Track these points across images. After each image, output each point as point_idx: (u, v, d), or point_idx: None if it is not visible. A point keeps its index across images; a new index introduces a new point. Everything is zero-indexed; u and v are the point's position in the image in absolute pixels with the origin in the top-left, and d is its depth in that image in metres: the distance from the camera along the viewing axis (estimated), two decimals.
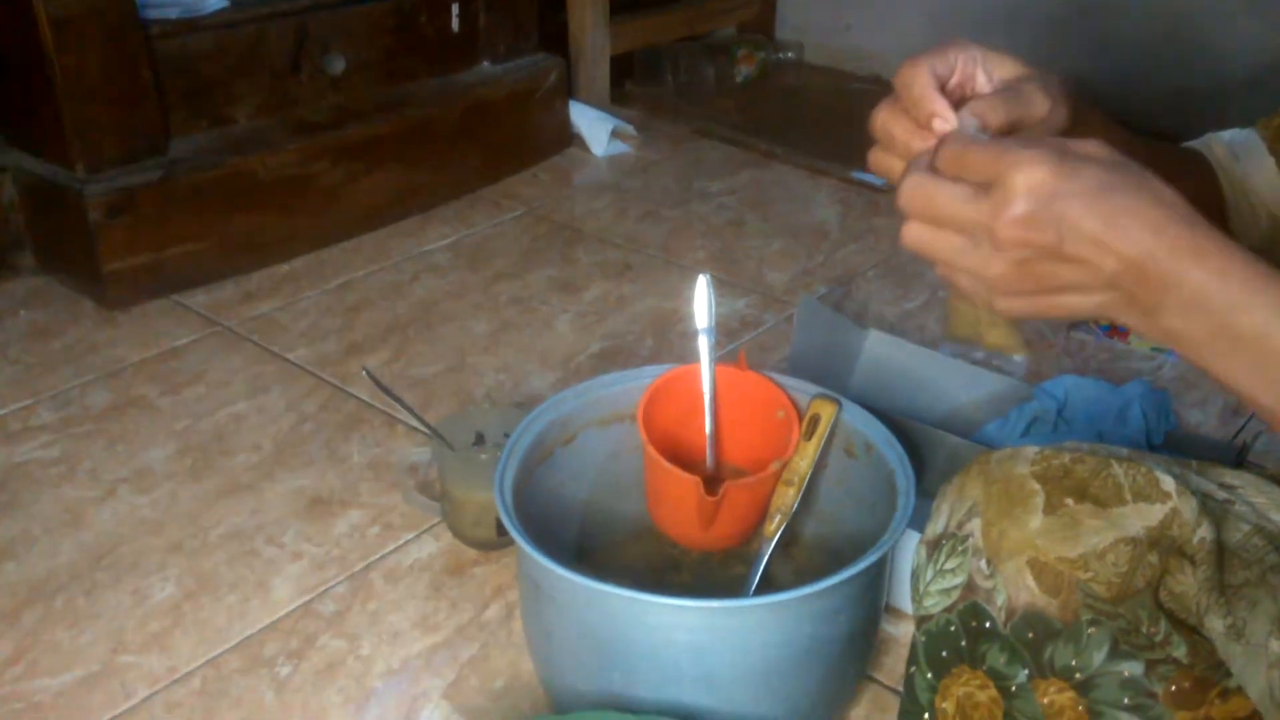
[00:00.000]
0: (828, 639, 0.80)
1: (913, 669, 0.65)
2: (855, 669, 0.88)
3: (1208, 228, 0.49)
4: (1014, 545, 0.60)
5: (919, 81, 0.57)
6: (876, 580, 0.84)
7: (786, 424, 0.92)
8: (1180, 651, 0.57)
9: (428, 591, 1.06)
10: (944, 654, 0.63)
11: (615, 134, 2.10)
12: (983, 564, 0.61)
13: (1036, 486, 0.60)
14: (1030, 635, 0.59)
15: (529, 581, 0.84)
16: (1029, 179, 0.49)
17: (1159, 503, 0.58)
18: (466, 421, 1.12)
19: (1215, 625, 0.55)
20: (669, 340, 1.50)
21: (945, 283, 0.56)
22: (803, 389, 0.94)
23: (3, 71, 1.49)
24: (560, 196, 1.94)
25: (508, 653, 0.99)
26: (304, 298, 1.58)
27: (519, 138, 2.00)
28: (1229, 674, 0.56)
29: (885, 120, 0.59)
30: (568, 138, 2.10)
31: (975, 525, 0.62)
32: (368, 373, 1.09)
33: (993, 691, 0.61)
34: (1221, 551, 0.57)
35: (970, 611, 0.61)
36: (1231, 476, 0.62)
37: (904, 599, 1.00)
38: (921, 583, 0.65)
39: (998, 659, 0.60)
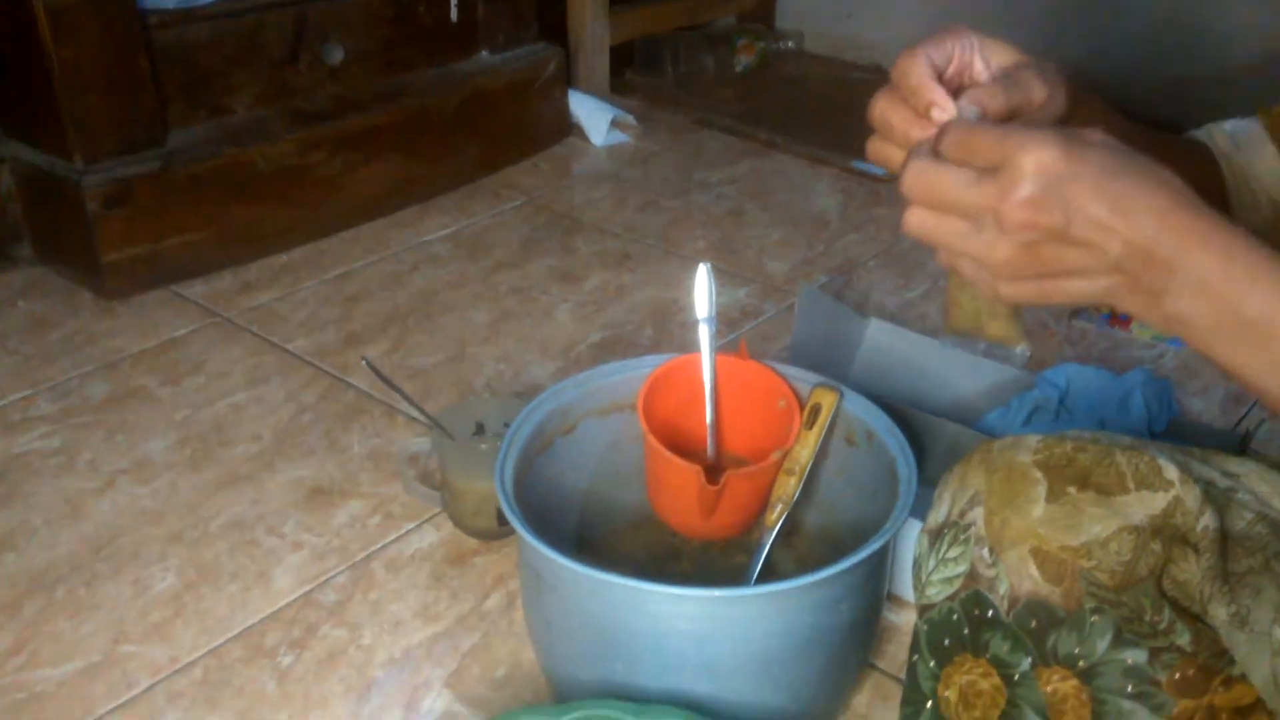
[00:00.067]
0: (829, 628, 0.80)
1: (915, 657, 0.65)
2: (857, 657, 0.88)
3: (1213, 213, 0.49)
4: (1016, 534, 0.60)
5: (916, 71, 0.58)
6: (878, 569, 0.84)
7: (788, 413, 0.91)
8: (1184, 640, 0.57)
9: (429, 581, 1.06)
10: (946, 642, 0.63)
11: (615, 124, 2.10)
12: (985, 552, 0.61)
13: (1039, 475, 0.60)
14: (1033, 623, 0.59)
15: (530, 571, 0.84)
16: (1037, 161, 0.49)
17: (1162, 491, 0.58)
18: (466, 411, 1.12)
19: (1219, 613, 0.55)
20: (669, 330, 1.50)
21: (948, 269, 0.55)
22: (804, 378, 0.94)
23: (0, 62, 1.49)
24: (560, 186, 1.93)
25: (509, 642, 0.99)
26: (303, 288, 1.58)
27: (518, 127, 1.99)
28: (1232, 662, 0.56)
29: (883, 109, 0.59)
30: (567, 127, 2.09)
31: (977, 514, 0.62)
32: (367, 363, 1.09)
33: (995, 680, 0.61)
34: (1225, 540, 0.57)
35: (973, 600, 0.61)
36: (1234, 464, 0.62)
37: (906, 587, 1.00)
38: (924, 571, 0.65)
39: (1000, 647, 0.60)
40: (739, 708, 0.79)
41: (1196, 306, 0.49)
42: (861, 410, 0.92)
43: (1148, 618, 0.57)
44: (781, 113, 2.27)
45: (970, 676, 0.62)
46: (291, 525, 1.13)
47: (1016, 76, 0.59)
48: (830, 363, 1.24)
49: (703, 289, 0.89)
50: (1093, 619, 0.58)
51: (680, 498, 0.90)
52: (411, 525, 1.13)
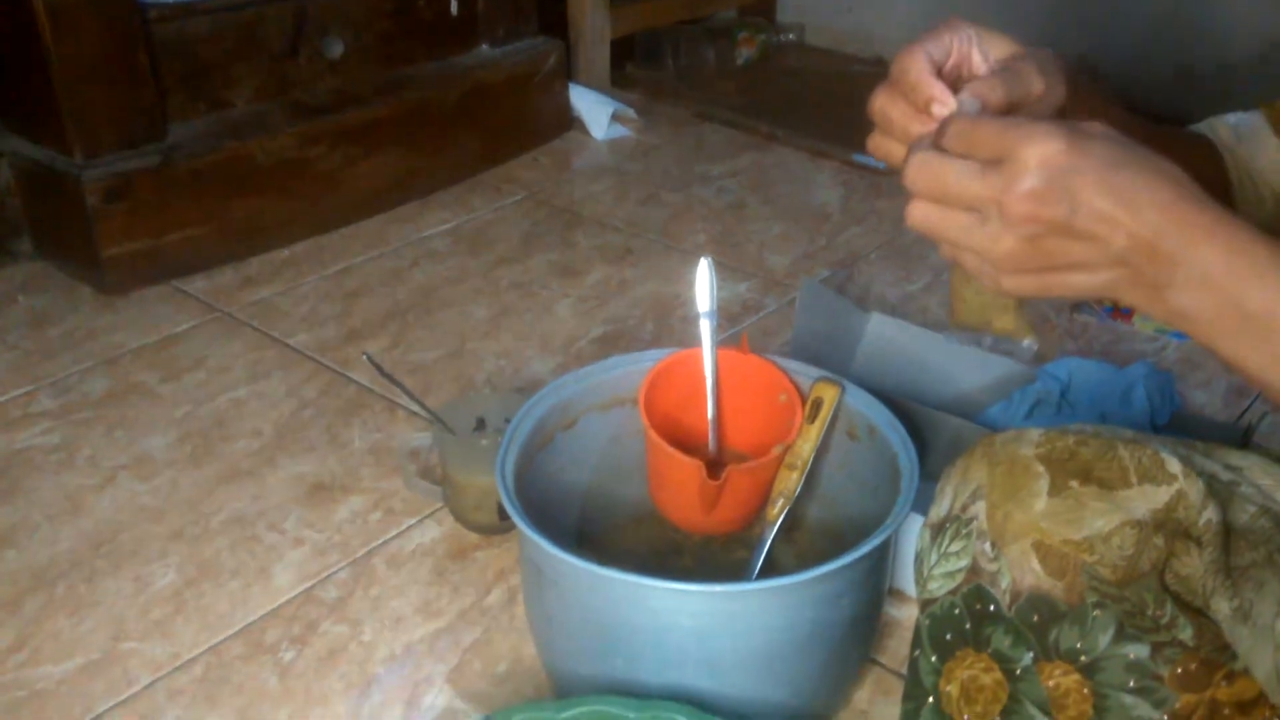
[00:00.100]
0: (831, 623, 0.80)
1: (917, 652, 0.65)
2: (858, 652, 0.88)
3: (1216, 206, 0.49)
4: (1019, 528, 0.59)
5: (915, 66, 0.58)
6: (880, 564, 0.84)
7: (789, 407, 0.91)
8: (1186, 634, 0.57)
9: (430, 577, 1.06)
10: (948, 637, 0.63)
11: (615, 117, 2.09)
12: (987, 547, 0.61)
13: (1041, 469, 0.60)
14: (1035, 618, 0.59)
15: (531, 566, 0.84)
16: (1041, 153, 0.48)
17: (1165, 485, 0.58)
18: (467, 407, 1.12)
19: (1221, 607, 0.55)
20: (670, 324, 1.50)
21: (950, 263, 0.55)
22: (805, 372, 0.94)
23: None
24: (560, 180, 1.93)
25: (510, 637, 0.99)
26: (303, 283, 1.58)
27: (518, 121, 1.99)
28: (1235, 656, 0.56)
29: (883, 105, 0.59)
30: (567, 121, 2.09)
31: (980, 508, 0.61)
32: (368, 358, 1.08)
33: (997, 674, 0.61)
34: (1228, 533, 0.57)
35: (974, 594, 0.61)
36: (1237, 458, 0.62)
37: (907, 582, 0.99)
38: (925, 566, 0.64)
39: (1002, 642, 0.60)
40: (740, 703, 0.79)
41: (1200, 300, 0.49)
42: (863, 404, 0.92)
43: (1150, 612, 0.57)
44: (783, 106, 2.26)
45: (972, 671, 0.62)
46: (292, 521, 1.13)
47: (1015, 69, 0.59)
48: (832, 357, 1.24)
49: (704, 283, 0.88)
50: (1095, 613, 0.58)
51: (681, 493, 0.89)
52: (412, 521, 1.13)
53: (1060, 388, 1.20)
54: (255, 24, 1.62)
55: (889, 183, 1.88)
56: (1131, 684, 0.57)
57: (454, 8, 1.87)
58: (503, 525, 1.09)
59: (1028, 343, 0.61)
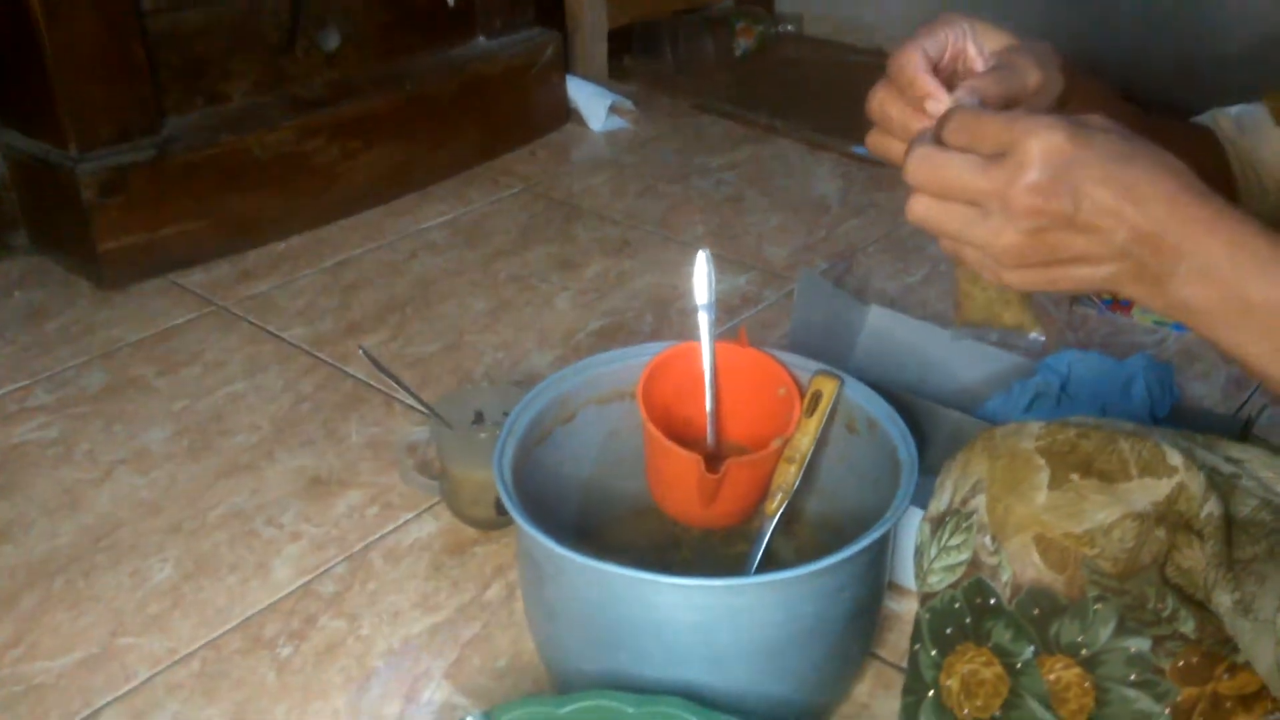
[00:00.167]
0: (831, 617, 0.79)
1: (917, 646, 0.65)
2: (859, 646, 0.88)
3: (1219, 199, 0.49)
4: (1019, 521, 0.59)
5: (911, 64, 0.58)
6: (879, 557, 0.84)
7: (788, 401, 0.91)
8: (1187, 627, 0.57)
9: (428, 571, 1.06)
10: (949, 631, 0.63)
11: (613, 109, 2.09)
12: (987, 540, 0.60)
13: (1042, 462, 0.60)
14: (1036, 611, 0.59)
15: (529, 560, 0.83)
16: (1044, 146, 0.48)
17: (1166, 477, 0.58)
18: (465, 400, 1.12)
19: (1223, 600, 0.55)
20: (669, 317, 1.49)
21: (951, 258, 0.55)
22: (804, 365, 0.93)
23: None
24: (558, 173, 1.93)
25: (509, 632, 0.99)
26: (300, 277, 1.57)
27: (516, 113, 1.98)
28: (1236, 650, 0.56)
29: (882, 102, 0.59)
30: (565, 113, 2.08)
31: (980, 501, 0.61)
32: (365, 352, 1.08)
33: (998, 668, 0.60)
34: (1229, 526, 0.57)
35: (975, 588, 0.61)
36: (1238, 450, 0.61)
37: (907, 575, 0.99)
38: (925, 559, 0.64)
39: (1003, 635, 0.60)
40: (740, 697, 0.78)
41: (1202, 292, 0.49)
42: (862, 397, 0.91)
43: (1151, 605, 0.57)
44: (781, 97, 2.26)
45: (972, 665, 0.62)
46: (290, 515, 1.13)
47: (1011, 62, 0.59)
48: (831, 349, 1.23)
49: (702, 276, 0.88)
50: (1096, 607, 0.57)
51: (680, 486, 0.89)
52: (410, 515, 1.13)
53: (1060, 380, 1.20)
54: (251, 16, 1.61)
55: (888, 175, 1.87)
56: (1133, 677, 0.57)
57: None
58: (501, 520, 1.08)
59: (1035, 335, 0.61)
